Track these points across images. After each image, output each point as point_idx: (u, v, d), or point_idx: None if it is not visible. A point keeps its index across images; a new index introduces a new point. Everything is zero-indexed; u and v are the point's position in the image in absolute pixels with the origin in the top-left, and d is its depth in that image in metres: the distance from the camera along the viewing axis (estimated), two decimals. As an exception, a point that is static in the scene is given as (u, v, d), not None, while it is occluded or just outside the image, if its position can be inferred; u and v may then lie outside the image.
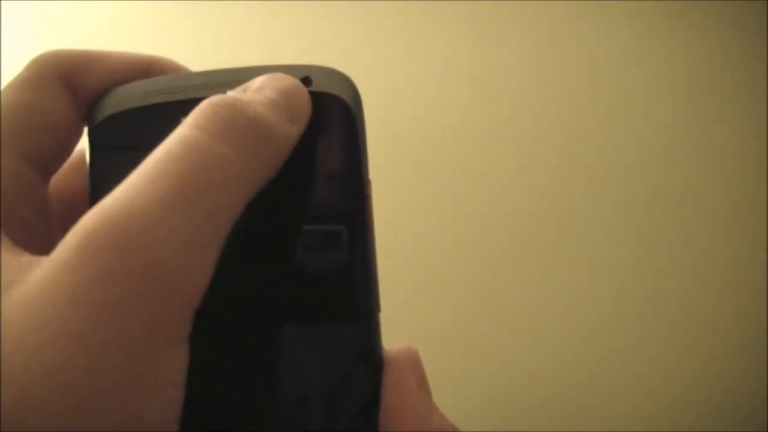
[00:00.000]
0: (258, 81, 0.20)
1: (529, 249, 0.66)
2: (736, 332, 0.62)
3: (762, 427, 0.57)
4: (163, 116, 0.20)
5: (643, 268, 0.64)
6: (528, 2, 0.74)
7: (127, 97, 0.22)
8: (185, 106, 0.20)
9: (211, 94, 0.19)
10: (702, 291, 0.63)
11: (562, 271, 0.65)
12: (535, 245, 0.66)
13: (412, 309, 0.64)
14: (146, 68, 0.23)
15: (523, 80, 0.71)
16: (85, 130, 0.22)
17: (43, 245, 0.19)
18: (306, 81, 0.21)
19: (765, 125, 0.68)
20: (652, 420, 0.61)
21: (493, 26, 0.74)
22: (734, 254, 0.64)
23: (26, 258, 0.18)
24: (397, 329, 0.27)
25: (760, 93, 0.69)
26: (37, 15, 0.78)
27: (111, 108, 0.22)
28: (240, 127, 0.18)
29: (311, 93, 0.21)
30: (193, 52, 0.77)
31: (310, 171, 0.21)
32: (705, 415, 0.59)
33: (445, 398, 0.26)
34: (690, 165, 0.68)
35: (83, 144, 0.22)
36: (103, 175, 0.21)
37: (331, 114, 0.21)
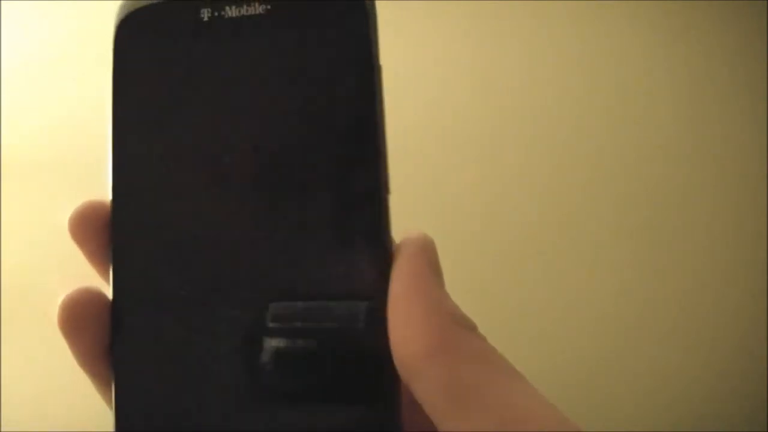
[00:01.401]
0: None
1: (528, 249, 0.66)
2: (736, 332, 0.62)
3: (762, 427, 0.57)
4: (178, 14, 0.22)
5: (642, 267, 0.64)
6: (527, 2, 0.74)
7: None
8: (197, 3, 0.22)
9: None
10: (702, 291, 0.63)
11: (561, 271, 0.65)
12: (535, 245, 0.66)
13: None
14: None
15: (522, 80, 0.71)
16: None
17: None
18: None
19: (765, 125, 0.68)
20: (652, 420, 0.61)
21: (493, 26, 0.74)
22: (734, 254, 0.64)
23: None
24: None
25: (760, 93, 0.69)
26: (37, 15, 0.78)
27: (128, 9, 0.23)
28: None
29: None
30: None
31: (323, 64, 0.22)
32: (705, 415, 0.59)
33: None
34: (690, 165, 0.68)
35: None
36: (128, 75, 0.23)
37: (347, 14, 0.22)
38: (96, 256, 0.24)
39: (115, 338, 0.22)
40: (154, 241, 0.22)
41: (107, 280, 0.23)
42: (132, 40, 0.23)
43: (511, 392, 0.19)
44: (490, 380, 0.19)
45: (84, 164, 0.72)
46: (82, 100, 0.74)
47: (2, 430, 0.54)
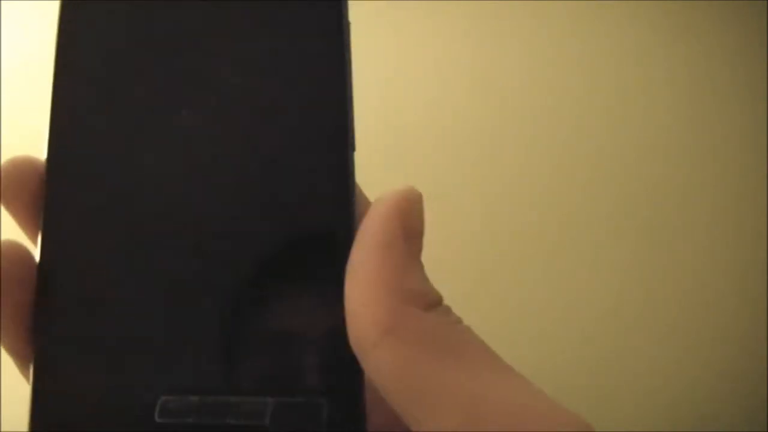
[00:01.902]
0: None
1: (528, 249, 0.66)
2: (736, 332, 0.62)
3: (762, 427, 0.57)
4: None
5: (642, 267, 0.64)
6: (527, 2, 0.74)
7: None
8: None
9: None
10: (702, 291, 0.63)
11: (561, 272, 0.65)
12: (534, 245, 0.66)
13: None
14: None
15: (522, 80, 0.71)
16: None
17: None
18: None
19: (765, 125, 0.68)
20: (652, 420, 0.61)
21: (493, 26, 0.74)
22: (734, 254, 0.64)
23: None
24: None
25: (760, 93, 0.69)
26: (37, 15, 0.78)
27: None
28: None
29: None
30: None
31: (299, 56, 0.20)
32: (705, 415, 0.59)
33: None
34: (690, 165, 0.68)
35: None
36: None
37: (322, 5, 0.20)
38: (23, 215, 0.21)
39: (38, 313, 0.20)
40: (88, 205, 0.20)
41: (35, 241, 0.21)
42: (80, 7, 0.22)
43: (475, 381, 0.16)
44: (450, 367, 0.16)
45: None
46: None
47: (2, 430, 0.54)
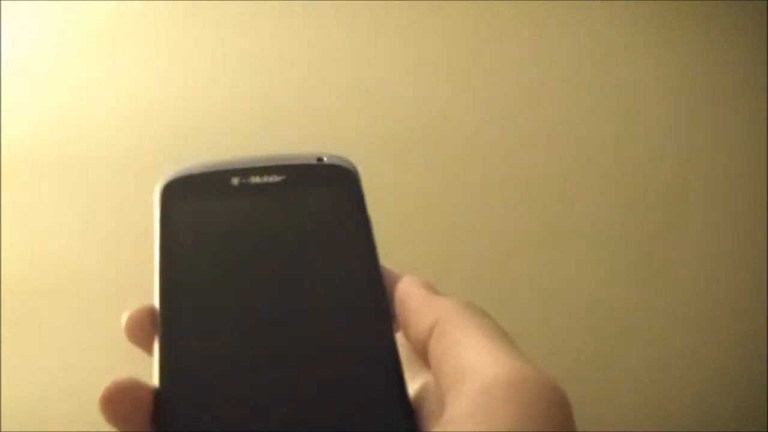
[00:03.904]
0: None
1: (527, 249, 0.66)
2: (736, 332, 0.62)
3: (762, 428, 0.57)
4: (213, 181, 0.29)
5: (642, 267, 0.64)
6: (527, 2, 0.74)
7: (183, 169, 0.30)
8: (228, 173, 0.29)
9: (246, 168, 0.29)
10: (702, 291, 0.63)
11: (560, 271, 0.65)
12: (534, 245, 0.66)
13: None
14: None
15: (522, 80, 0.72)
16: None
17: None
18: (320, 159, 0.30)
19: (765, 125, 0.68)
20: (653, 420, 0.61)
21: (493, 26, 0.74)
22: (734, 254, 0.64)
23: None
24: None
25: (760, 93, 0.69)
26: (37, 15, 0.78)
27: (172, 175, 0.30)
28: None
29: (326, 165, 0.29)
30: (192, 49, 0.77)
31: (327, 226, 0.28)
32: (705, 415, 0.59)
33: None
34: (690, 165, 0.68)
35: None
36: (173, 233, 0.28)
37: (341, 179, 0.29)
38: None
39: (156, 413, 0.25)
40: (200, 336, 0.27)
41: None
42: (174, 201, 0.29)
43: (469, 349, 0.23)
44: (457, 341, 0.24)
45: (84, 164, 0.73)
46: (82, 100, 0.74)
47: (2, 430, 0.54)
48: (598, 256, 0.65)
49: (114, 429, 0.25)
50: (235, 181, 0.29)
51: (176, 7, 0.80)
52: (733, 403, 0.60)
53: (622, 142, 0.69)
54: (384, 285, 0.27)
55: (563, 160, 0.68)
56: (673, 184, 0.67)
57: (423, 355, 0.25)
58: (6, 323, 0.61)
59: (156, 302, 0.27)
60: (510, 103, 0.71)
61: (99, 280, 0.62)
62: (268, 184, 0.29)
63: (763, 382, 0.59)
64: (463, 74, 0.72)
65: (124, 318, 0.27)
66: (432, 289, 0.27)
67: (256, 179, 0.29)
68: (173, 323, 0.27)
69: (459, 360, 0.23)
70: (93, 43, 0.77)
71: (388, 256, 0.29)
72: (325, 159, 0.30)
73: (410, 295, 0.26)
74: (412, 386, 0.25)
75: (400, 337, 0.26)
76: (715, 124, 0.69)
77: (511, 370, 0.23)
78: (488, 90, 0.71)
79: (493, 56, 0.72)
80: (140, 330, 0.27)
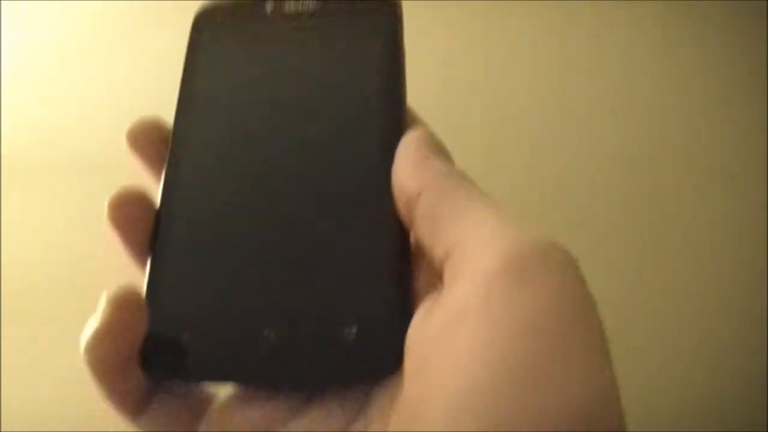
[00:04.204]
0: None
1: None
2: (736, 332, 0.62)
3: (762, 427, 0.57)
4: (246, 10, 0.27)
5: (642, 268, 0.64)
6: (527, 3, 0.74)
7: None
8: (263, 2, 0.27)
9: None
10: (702, 291, 0.63)
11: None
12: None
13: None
14: None
15: (522, 80, 0.71)
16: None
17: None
18: None
19: (765, 125, 0.68)
20: (652, 420, 0.61)
21: (494, 26, 0.74)
22: (734, 254, 0.64)
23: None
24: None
25: (760, 93, 0.69)
26: (37, 15, 0.78)
27: (207, 4, 0.28)
28: None
29: None
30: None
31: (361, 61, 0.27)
32: (705, 415, 0.59)
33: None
34: (690, 165, 0.68)
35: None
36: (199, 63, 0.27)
37: (381, 13, 0.28)
38: (150, 165, 0.27)
39: (157, 235, 0.25)
40: (206, 166, 0.26)
41: (157, 181, 0.26)
42: (206, 30, 0.28)
43: (486, 215, 0.22)
44: (464, 207, 0.22)
45: (84, 164, 0.72)
46: (82, 100, 0.74)
47: (2, 430, 0.54)
48: (597, 255, 0.65)
49: (116, 241, 0.25)
50: (269, 7, 0.28)
51: (178, 7, 0.80)
52: (733, 403, 0.59)
53: (622, 143, 0.69)
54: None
55: (563, 161, 0.68)
56: (675, 185, 0.67)
57: (408, 223, 0.24)
58: (6, 323, 0.61)
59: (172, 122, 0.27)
60: (510, 104, 0.71)
61: (99, 280, 0.62)
62: (301, 12, 0.28)
63: (764, 382, 0.59)
64: (464, 74, 0.72)
65: (131, 126, 0.26)
66: (433, 147, 0.25)
67: (289, 7, 0.28)
68: (185, 145, 0.26)
69: (457, 232, 0.22)
70: (93, 43, 0.77)
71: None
72: None
73: (404, 156, 0.24)
74: None
75: None
76: (716, 124, 0.69)
77: (523, 242, 0.21)
78: (488, 90, 0.71)
79: (491, 58, 0.72)
80: (144, 140, 0.26)
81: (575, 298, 0.21)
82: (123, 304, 0.23)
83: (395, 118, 0.26)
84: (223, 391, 0.23)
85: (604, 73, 0.72)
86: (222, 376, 0.23)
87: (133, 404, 0.23)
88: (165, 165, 0.26)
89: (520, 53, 0.73)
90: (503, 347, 0.18)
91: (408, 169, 0.24)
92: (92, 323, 0.23)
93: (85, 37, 0.77)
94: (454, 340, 0.19)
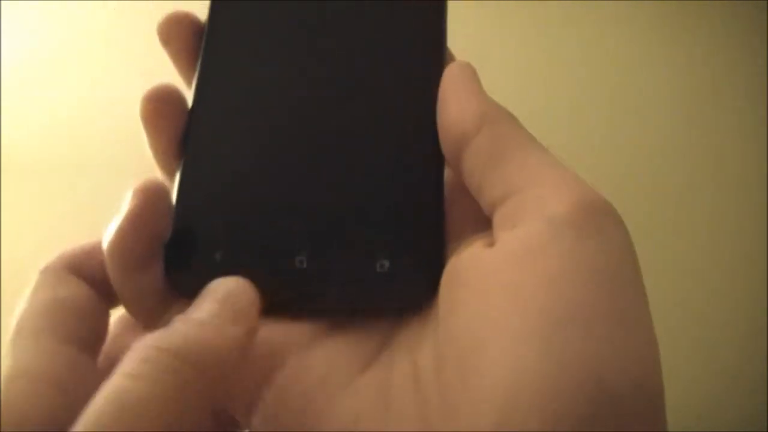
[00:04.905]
0: (202, 296, 0.21)
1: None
2: (736, 332, 0.62)
3: (762, 427, 0.57)
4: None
5: (642, 267, 0.64)
6: (527, 3, 0.74)
7: None
8: None
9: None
10: (702, 291, 0.63)
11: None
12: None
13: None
14: None
15: (521, 80, 0.71)
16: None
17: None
18: None
19: (765, 125, 0.68)
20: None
21: (494, 26, 0.74)
22: (734, 254, 0.64)
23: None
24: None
25: (760, 93, 0.69)
26: (37, 15, 0.78)
27: None
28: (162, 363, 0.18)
29: None
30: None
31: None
32: (705, 415, 0.59)
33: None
34: (690, 165, 0.68)
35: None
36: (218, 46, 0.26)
37: None
38: (181, 57, 0.25)
39: (188, 135, 0.24)
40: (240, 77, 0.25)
41: (189, 83, 0.25)
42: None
43: (549, 161, 0.22)
44: (527, 150, 0.22)
45: (84, 164, 0.72)
46: (82, 100, 0.74)
47: None
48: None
49: (148, 133, 0.24)
50: None
51: (181, 7, 0.80)
52: (733, 402, 0.59)
53: (622, 143, 0.69)
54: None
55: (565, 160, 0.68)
56: (675, 185, 0.67)
57: (454, 157, 0.22)
58: (7, 323, 0.61)
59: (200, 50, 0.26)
60: (509, 104, 0.71)
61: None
62: None
63: (764, 382, 0.59)
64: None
65: (162, 19, 0.25)
66: (478, 79, 0.24)
67: None
68: (222, 51, 0.25)
69: (521, 174, 0.21)
70: (94, 43, 0.77)
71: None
72: None
73: (453, 89, 0.23)
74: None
75: None
76: (717, 125, 0.69)
77: (588, 194, 0.20)
78: (487, 89, 0.71)
79: (491, 58, 0.72)
80: (178, 29, 0.25)
81: (635, 258, 0.22)
82: (147, 193, 0.22)
83: (437, 54, 0.26)
84: None
85: (603, 73, 0.72)
86: None
87: (151, 307, 0.22)
88: (198, 68, 0.25)
89: (517, 53, 0.73)
90: (574, 289, 0.19)
91: (461, 102, 0.23)
92: (115, 219, 0.22)
93: (86, 37, 0.77)
94: (519, 276, 0.19)
